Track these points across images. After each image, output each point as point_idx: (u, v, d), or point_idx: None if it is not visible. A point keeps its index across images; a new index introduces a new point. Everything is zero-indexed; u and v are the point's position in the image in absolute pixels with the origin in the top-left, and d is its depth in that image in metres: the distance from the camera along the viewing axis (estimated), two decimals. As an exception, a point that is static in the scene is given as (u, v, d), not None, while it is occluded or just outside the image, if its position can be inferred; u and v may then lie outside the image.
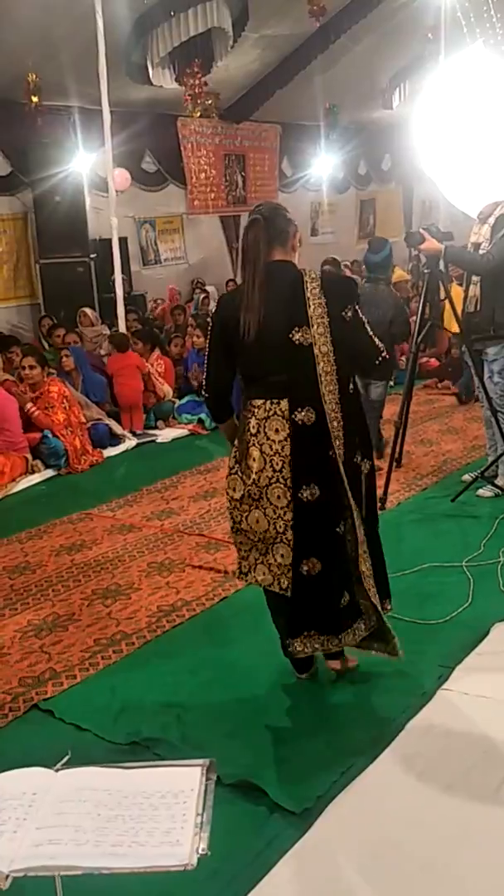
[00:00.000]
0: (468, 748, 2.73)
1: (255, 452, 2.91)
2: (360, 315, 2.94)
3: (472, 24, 10.32)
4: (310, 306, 2.83)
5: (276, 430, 2.88)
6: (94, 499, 5.70)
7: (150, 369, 7.76)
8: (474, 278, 5.00)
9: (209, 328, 3.03)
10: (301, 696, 3.13)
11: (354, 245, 16.69)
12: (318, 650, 3.07)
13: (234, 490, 2.99)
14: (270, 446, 2.89)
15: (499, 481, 5.15)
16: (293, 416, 2.86)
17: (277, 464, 2.89)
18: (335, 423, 2.86)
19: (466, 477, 5.35)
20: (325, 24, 10.69)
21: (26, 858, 1.28)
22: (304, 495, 2.89)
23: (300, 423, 2.86)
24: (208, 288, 13.03)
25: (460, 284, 5.37)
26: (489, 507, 4.98)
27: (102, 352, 8.46)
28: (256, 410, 2.92)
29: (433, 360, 8.92)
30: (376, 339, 2.98)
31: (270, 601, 3.17)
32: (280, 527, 2.93)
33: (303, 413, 2.85)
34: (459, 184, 4.81)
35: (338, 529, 2.96)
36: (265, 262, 2.87)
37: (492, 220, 4.90)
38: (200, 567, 4.37)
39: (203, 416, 7.57)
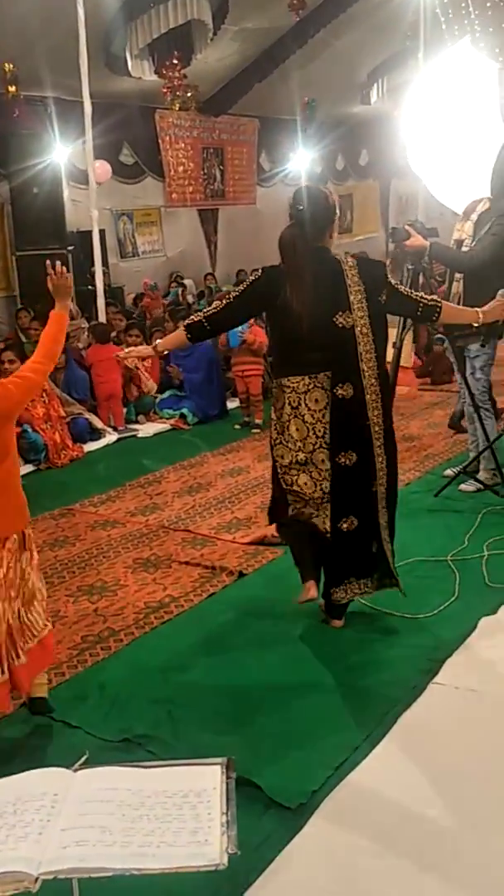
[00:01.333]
0: (460, 741, 2.75)
1: (296, 423, 3.24)
2: (394, 285, 3.27)
3: (451, 22, 10.36)
4: (350, 293, 3.15)
5: (316, 401, 3.21)
6: (76, 494, 5.66)
7: (139, 364, 7.71)
8: (457, 276, 5.02)
9: (246, 285, 3.27)
10: (292, 690, 3.13)
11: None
12: (357, 595, 3.49)
13: (283, 458, 3.32)
14: (312, 415, 3.22)
15: (481, 476, 5.19)
16: (334, 391, 3.19)
17: (320, 430, 3.24)
18: (373, 396, 3.22)
19: (449, 472, 5.38)
20: (304, 19, 10.69)
21: (54, 861, 1.27)
22: (342, 461, 3.25)
23: (340, 397, 3.19)
24: (186, 281, 12.99)
25: (442, 282, 5.38)
26: (471, 501, 5.01)
27: (80, 345, 8.39)
28: (296, 386, 3.22)
29: (416, 358, 8.91)
30: (413, 294, 3.39)
31: (300, 541, 3.47)
32: (325, 487, 3.28)
33: (343, 388, 3.19)
34: (445, 181, 4.81)
35: (373, 489, 3.32)
36: (310, 249, 3.16)
37: (475, 217, 4.92)
38: (187, 563, 4.36)
39: (185, 410, 7.55)
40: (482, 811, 2.44)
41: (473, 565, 4.10)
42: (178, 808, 1.37)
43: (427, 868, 2.23)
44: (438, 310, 3.34)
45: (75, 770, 1.54)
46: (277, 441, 3.33)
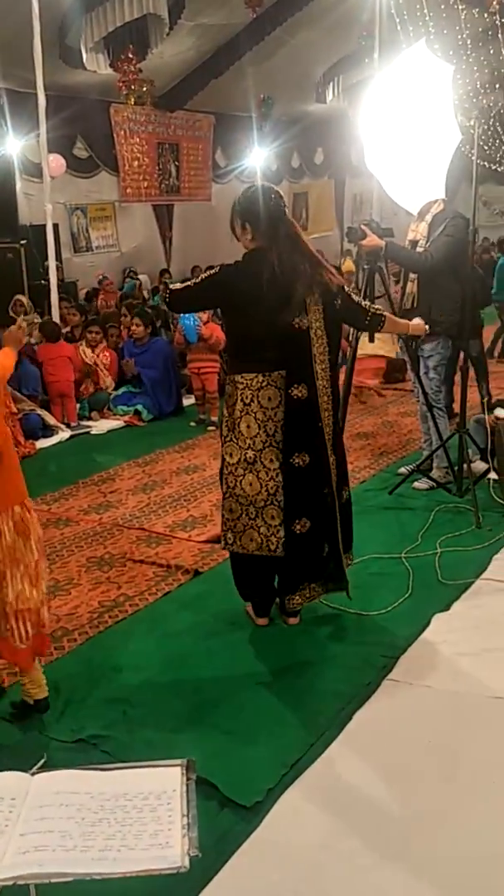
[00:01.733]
0: (414, 737, 2.78)
1: (247, 420, 3.23)
2: (348, 292, 3.36)
3: (406, 23, 10.45)
4: (307, 295, 3.18)
5: (269, 399, 3.21)
6: (28, 491, 5.56)
7: (99, 361, 7.65)
8: (412, 276, 5.07)
9: (204, 277, 3.30)
10: (247, 689, 3.14)
11: (287, 237, 16.69)
12: (314, 598, 3.51)
13: (231, 455, 3.30)
14: (263, 413, 3.22)
15: (434, 474, 5.25)
16: (289, 391, 3.20)
17: (271, 429, 3.23)
18: (325, 398, 3.25)
19: (403, 470, 5.44)
20: (261, 16, 10.71)
21: (13, 867, 1.25)
22: (296, 461, 3.26)
23: (295, 397, 3.20)
24: (141, 277, 12.92)
25: (397, 282, 5.42)
26: (425, 499, 5.07)
27: (33, 340, 8.28)
28: (250, 382, 3.22)
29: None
30: (363, 303, 3.51)
31: (244, 569, 3.50)
32: (271, 488, 3.26)
33: (298, 389, 3.20)
34: (400, 181, 4.85)
35: (325, 490, 3.33)
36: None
37: (429, 218, 4.96)
38: (142, 562, 4.33)
39: (139, 407, 7.50)
40: (436, 806, 2.47)
41: (427, 562, 4.15)
42: (138, 810, 1.36)
43: (382, 862, 2.25)
44: (383, 320, 3.50)
45: (33, 774, 1.52)
46: (228, 438, 3.33)
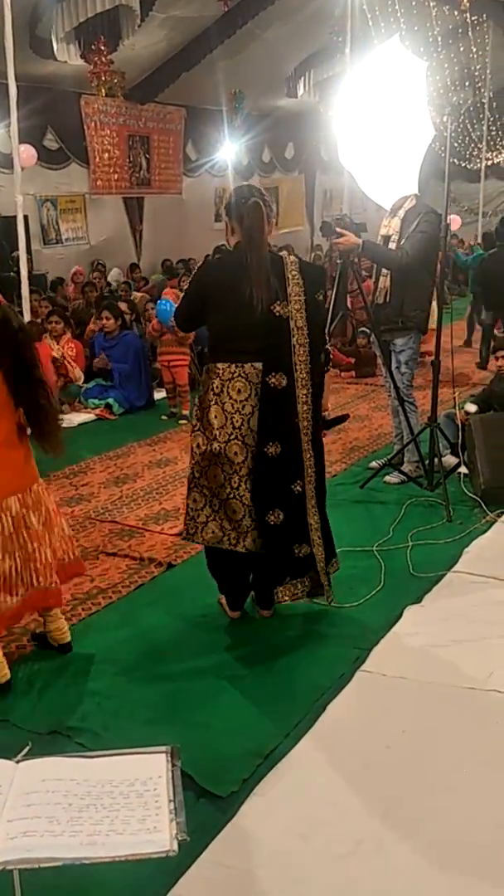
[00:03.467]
0: (387, 728, 2.81)
1: (216, 410, 3.20)
2: (324, 305, 3.35)
3: (378, 19, 10.50)
4: (289, 285, 3.17)
5: (239, 391, 3.20)
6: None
7: (65, 353, 7.58)
8: (384, 271, 5.10)
9: (191, 281, 3.37)
10: (221, 680, 3.15)
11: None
12: (299, 597, 3.50)
13: (198, 446, 3.28)
14: (232, 405, 3.20)
15: (405, 468, 5.30)
16: (266, 379, 3.18)
17: (237, 421, 3.20)
18: (304, 390, 3.22)
19: (374, 464, 5.48)
20: (232, 9, 10.72)
21: (2, 852, 1.26)
22: (270, 451, 3.23)
23: (272, 386, 3.18)
24: (113, 271, 12.84)
25: (369, 276, 5.46)
26: (396, 493, 5.12)
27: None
28: (221, 372, 3.21)
29: (347, 357, 8.98)
30: (325, 333, 3.42)
31: (216, 561, 3.50)
32: (234, 482, 3.24)
33: (275, 377, 3.18)
34: (374, 176, 4.88)
35: (295, 486, 3.31)
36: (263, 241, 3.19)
37: (402, 213, 4.99)
38: (115, 555, 4.32)
39: (111, 400, 7.47)
40: (409, 795, 2.50)
41: (398, 555, 4.19)
42: (124, 796, 1.37)
43: (356, 851, 2.28)
44: (328, 361, 3.64)
45: (18, 762, 1.52)
46: (197, 427, 3.32)
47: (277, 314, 3.17)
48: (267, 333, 3.18)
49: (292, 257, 3.26)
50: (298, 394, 3.23)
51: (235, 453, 3.23)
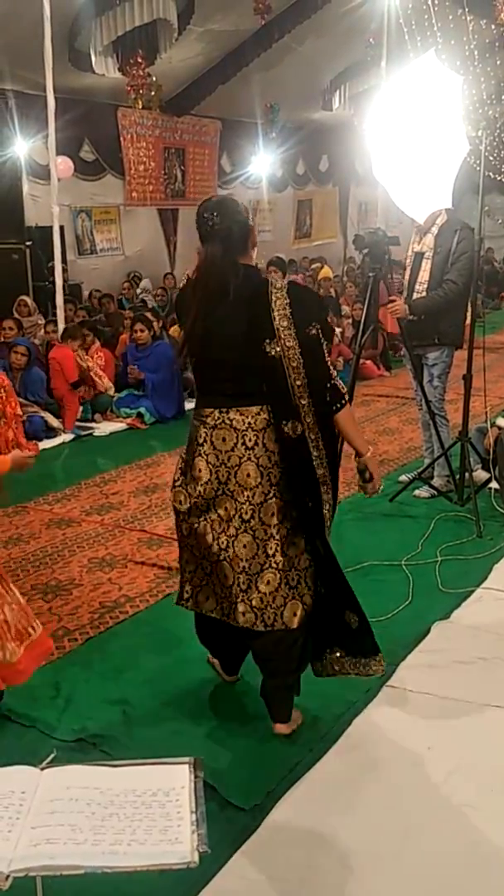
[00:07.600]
0: (413, 744, 2.79)
1: (200, 463, 2.76)
2: (319, 340, 2.69)
3: (414, 33, 10.50)
4: (276, 318, 2.61)
5: (224, 440, 2.73)
6: (31, 492, 5.60)
7: (92, 363, 7.65)
8: (419, 287, 5.08)
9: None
10: (247, 692, 3.14)
11: (291, 245, 16.78)
12: (346, 671, 2.92)
13: (181, 503, 2.82)
14: (217, 456, 2.74)
15: (435, 482, 5.26)
16: (281, 427, 2.68)
17: (223, 475, 2.74)
18: (313, 435, 2.69)
19: (404, 478, 5.45)
20: (269, 23, 10.76)
21: (25, 858, 1.27)
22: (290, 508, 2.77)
23: (286, 435, 2.68)
24: (144, 281, 12.94)
25: (401, 292, 5.44)
26: (426, 507, 5.08)
27: (37, 341, 8.32)
28: (206, 419, 2.77)
29: (372, 365, 8.96)
30: (330, 366, 2.74)
31: (205, 626, 3.07)
32: (223, 543, 2.76)
33: (289, 426, 2.67)
34: (408, 190, 4.88)
35: (317, 543, 2.81)
36: (230, 263, 2.70)
37: (435, 230, 4.98)
38: (143, 563, 4.35)
39: (142, 409, 7.52)
40: (433, 812, 2.48)
41: (427, 570, 4.16)
42: (147, 806, 1.38)
43: (378, 867, 2.26)
44: (342, 403, 2.74)
45: (42, 769, 1.54)
46: (178, 482, 2.84)
47: (271, 355, 2.63)
48: (266, 377, 2.67)
49: (280, 283, 2.70)
50: (309, 438, 2.69)
51: (225, 509, 2.76)
